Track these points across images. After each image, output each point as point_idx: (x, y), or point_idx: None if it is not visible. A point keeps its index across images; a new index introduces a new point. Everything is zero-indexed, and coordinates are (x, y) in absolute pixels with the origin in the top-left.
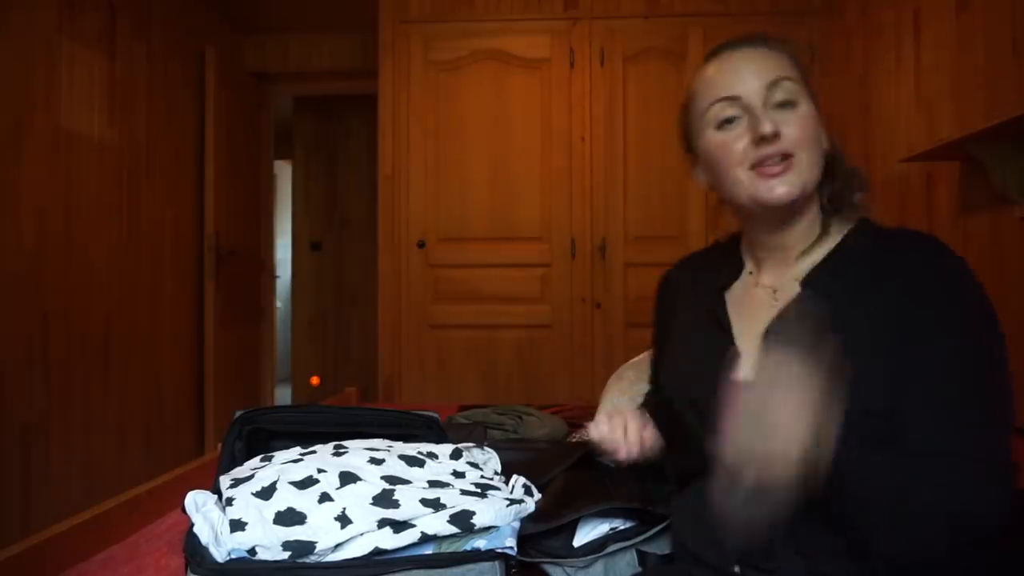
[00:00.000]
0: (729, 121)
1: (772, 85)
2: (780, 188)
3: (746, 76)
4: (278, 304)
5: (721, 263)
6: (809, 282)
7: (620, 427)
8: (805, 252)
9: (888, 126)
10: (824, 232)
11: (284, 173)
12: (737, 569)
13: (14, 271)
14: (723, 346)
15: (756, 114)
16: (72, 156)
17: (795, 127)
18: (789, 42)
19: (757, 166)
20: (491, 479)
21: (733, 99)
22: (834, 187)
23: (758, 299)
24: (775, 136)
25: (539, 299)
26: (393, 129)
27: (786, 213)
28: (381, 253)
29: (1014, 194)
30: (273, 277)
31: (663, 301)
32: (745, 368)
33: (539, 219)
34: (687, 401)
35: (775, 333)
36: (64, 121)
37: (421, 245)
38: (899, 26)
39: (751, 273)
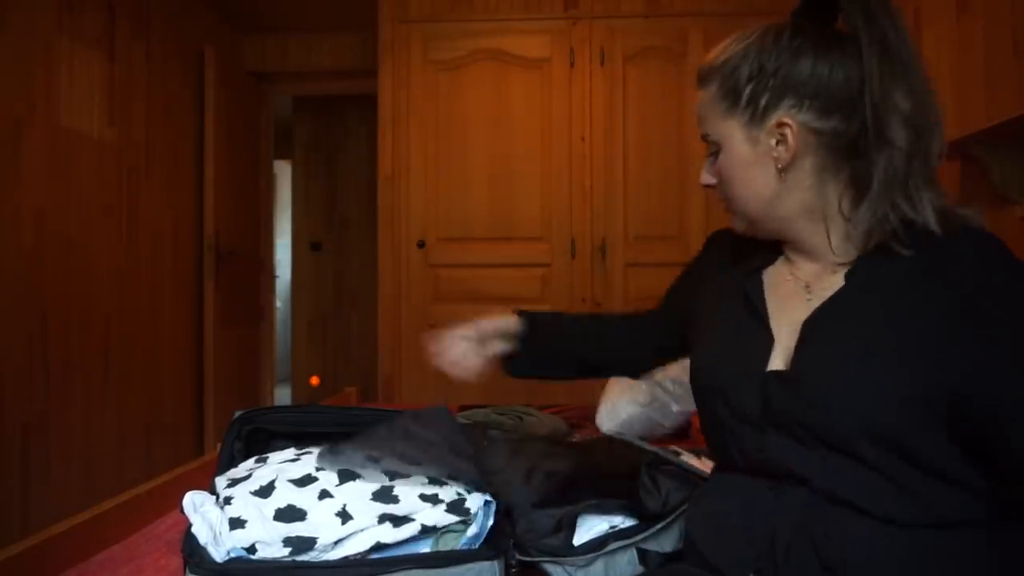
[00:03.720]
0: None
1: (703, 138)
2: (735, 225)
3: (697, 123)
4: (278, 304)
5: (762, 243)
6: (852, 275)
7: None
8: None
9: None
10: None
11: (284, 173)
12: None
13: (14, 271)
14: (758, 336)
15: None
16: (72, 156)
17: (721, 176)
18: (727, 61)
19: None
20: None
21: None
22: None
23: (791, 287)
24: (708, 187)
25: (539, 299)
26: (393, 129)
27: (781, 236)
28: (381, 253)
29: (1014, 194)
30: (273, 277)
31: (706, 260)
32: (777, 359)
33: (539, 219)
34: (718, 390)
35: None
36: (64, 121)
37: (421, 245)
38: None
39: (788, 260)
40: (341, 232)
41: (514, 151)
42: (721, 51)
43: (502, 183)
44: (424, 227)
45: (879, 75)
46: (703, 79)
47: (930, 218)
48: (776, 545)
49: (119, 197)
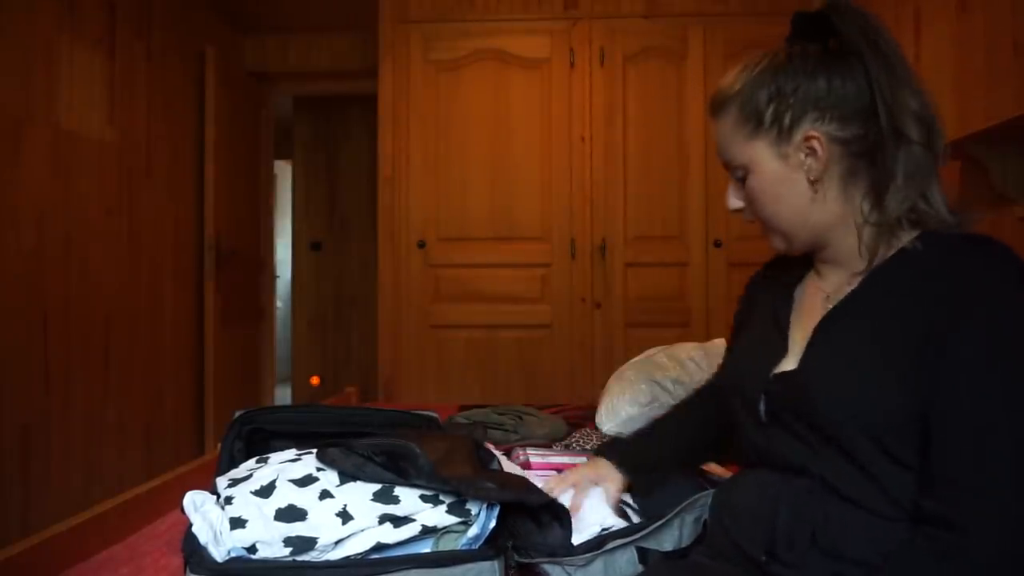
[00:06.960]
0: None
1: (726, 165)
2: (772, 244)
3: (718, 152)
4: (278, 304)
5: (798, 262)
6: (867, 277)
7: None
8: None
9: None
10: (886, 241)
11: (284, 173)
12: (764, 559)
13: (14, 271)
14: (774, 342)
15: (728, 188)
16: (72, 156)
17: (752, 201)
18: (743, 88)
19: None
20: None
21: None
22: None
23: (817, 300)
24: (738, 212)
25: (539, 299)
26: (393, 129)
27: (815, 247)
28: (381, 253)
29: (1014, 194)
30: (273, 277)
31: (746, 299)
32: (787, 362)
33: (539, 219)
34: (734, 389)
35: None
36: (64, 121)
37: (421, 245)
38: (899, 26)
39: (817, 274)
40: (341, 232)
41: (514, 151)
42: (732, 81)
43: (502, 183)
44: (424, 227)
45: (887, 81)
46: (718, 109)
47: (943, 209)
48: (778, 529)
49: (119, 197)
